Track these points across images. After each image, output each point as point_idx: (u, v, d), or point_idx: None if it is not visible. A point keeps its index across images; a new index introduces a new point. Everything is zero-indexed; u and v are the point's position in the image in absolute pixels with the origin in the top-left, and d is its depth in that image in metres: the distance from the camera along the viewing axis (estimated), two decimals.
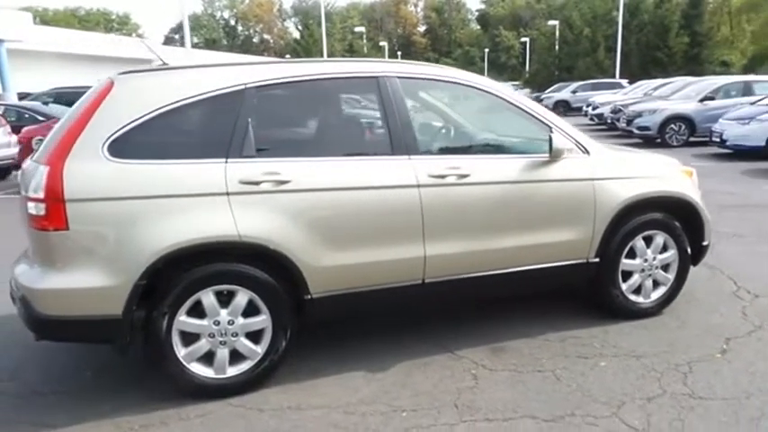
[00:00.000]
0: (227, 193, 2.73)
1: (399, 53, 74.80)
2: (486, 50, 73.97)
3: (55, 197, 2.56)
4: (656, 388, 2.86)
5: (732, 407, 2.67)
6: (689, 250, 3.70)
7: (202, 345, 2.82)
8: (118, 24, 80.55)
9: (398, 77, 3.13)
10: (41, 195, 2.57)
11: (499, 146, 3.49)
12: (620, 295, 3.60)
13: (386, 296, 3.08)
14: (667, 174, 3.68)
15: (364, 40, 58.24)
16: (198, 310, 2.79)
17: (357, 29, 52.03)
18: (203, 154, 2.77)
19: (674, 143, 13.27)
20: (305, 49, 48.02)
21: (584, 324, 3.62)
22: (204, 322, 2.80)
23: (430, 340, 3.45)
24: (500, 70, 70.56)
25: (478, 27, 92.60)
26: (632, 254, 3.58)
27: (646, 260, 3.62)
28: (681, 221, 3.64)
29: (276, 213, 2.80)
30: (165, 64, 3.19)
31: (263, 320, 2.89)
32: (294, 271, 2.86)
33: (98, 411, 2.80)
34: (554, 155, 3.19)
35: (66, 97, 15.45)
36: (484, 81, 3.37)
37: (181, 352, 2.79)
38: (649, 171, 3.61)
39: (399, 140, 3.04)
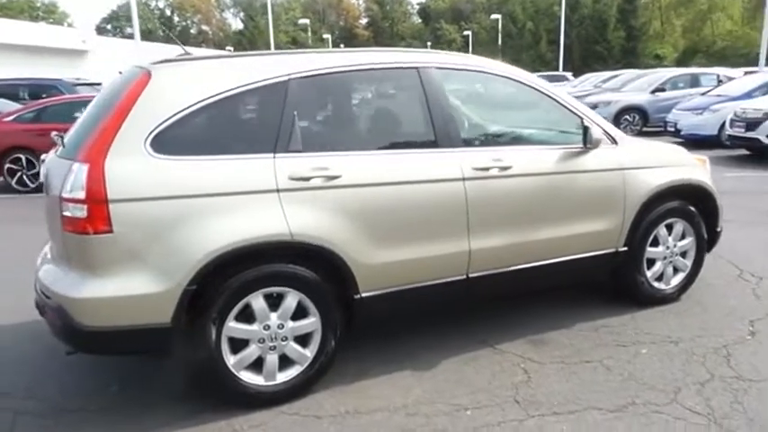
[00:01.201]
0: (278, 190, 2.58)
1: (342, 45, 74.20)
2: (429, 44, 74.48)
3: (97, 198, 2.34)
4: (704, 372, 2.93)
5: None
6: (705, 236, 3.81)
7: (252, 351, 2.66)
8: (44, 13, 75.81)
9: (436, 68, 3.05)
10: (81, 196, 2.35)
11: (536, 137, 3.46)
12: (645, 282, 3.67)
13: (431, 293, 3.01)
14: (686, 162, 3.77)
15: (309, 33, 57.43)
16: (245, 315, 2.64)
17: (301, 20, 51.27)
18: (250, 149, 2.61)
19: (629, 133, 13.72)
20: (250, 40, 46.87)
21: (610, 312, 3.67)
22: (254, 327, 2.65)
23: (468, 335, 3.40)
24: None
25: (420, 20, 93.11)
26: (655, 242, 3.66)
27: (667, 247, 3.70)
28: (697, 208, 3.74)
29: (327, 210, 2.67)
30: (187, 54, 2.99)
31: (312, 323, 2.76)
32: (344, 270, 2.74)
33: (140, 427, 2.60)
34: (593, 145, 3.20)
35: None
36: (516, 71, 3.33)
37: (230, 360, 2.63)
38: (671, 160, 3.70)
39: (443, 133, 2.97)
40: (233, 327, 2.60)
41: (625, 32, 37.54)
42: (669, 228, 3.68)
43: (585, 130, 3.22)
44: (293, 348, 2.74)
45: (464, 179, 2.95)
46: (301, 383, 2.79)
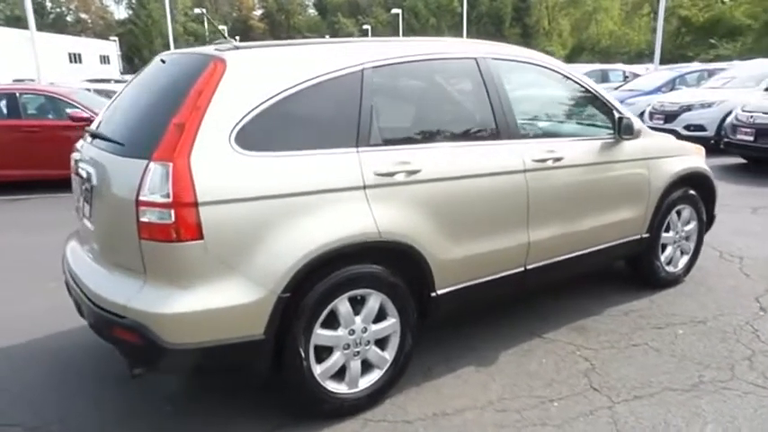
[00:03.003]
0: (364, 187, 2.43)
1: (238, 38, 71.58)
2: (327, 37, 74.00)
3: (186, 201, 2.07)
4: (744, 348, 3.14)
5: None
6: (705, 220, 4.09)
7: (338, 359, 2.50)
8: None
9: (492, 58, 3.02)
10: (166, 199, 2.07)
11: (579, 129, 3.53)
12: (660, 266, 3.88)
13: (494, 286, 2.98)
14: (691, 151, 4.01)
15: (206, 24, 54.92)
16: (328, 321, 2.47)
17: (196, 10, 48.84)
18: (334, 143, 2.43)
19: None
20: (143, 30, 43.87)
21: (629, 297, 3.84)
22: (340, 333, 2.49)
23: (512, 326, 3.42)
24: None
25: (316, 13, 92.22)
26: (667, 227, 3.87)
27: (677, 232, 3.93)
28: (699, 194, 4.00)
29: (408, 206, 2.56)
30: (226, 39, 2.75)
31: (392, 324, 2.64)
32: (424, 267, 2.65)
33: None
34: (633, 136, 3.33)
35: None
36: (559, 63, 3.39)
37: (317, 370, 2.45)
38: (679, 149, 3.92)
39: (503, 124, 2.94)
40: (320, 334, 2.43)
41: (520, 30, 39.65)
42: (678, 213, 3.91)
43: (621, 121, 3.33)
44: (375, 352, 2.61)
45: (525, 171, 2.95)
46: (381, 388, 2.66)
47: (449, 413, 2.61)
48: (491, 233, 2.88)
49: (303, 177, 2.30)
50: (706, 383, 2.80)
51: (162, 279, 2.14)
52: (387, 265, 2.56)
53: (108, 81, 23.06)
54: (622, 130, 3.33)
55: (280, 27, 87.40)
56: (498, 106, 2.94)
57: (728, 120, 8.75)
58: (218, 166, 2.15)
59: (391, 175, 2.50)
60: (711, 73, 12.57)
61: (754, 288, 3.96)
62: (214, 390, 2.79)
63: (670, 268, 3.96)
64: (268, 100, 2.30)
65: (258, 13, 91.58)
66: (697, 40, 35.90)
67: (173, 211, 2.06)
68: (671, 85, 12.29)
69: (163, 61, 2.67)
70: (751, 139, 8.09)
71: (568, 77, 3.37)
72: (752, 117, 8.18)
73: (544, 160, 3.03)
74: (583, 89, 3.41)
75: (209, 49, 2.47)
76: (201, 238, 2.10)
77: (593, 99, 3.44)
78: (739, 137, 8.29)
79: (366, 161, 2.45)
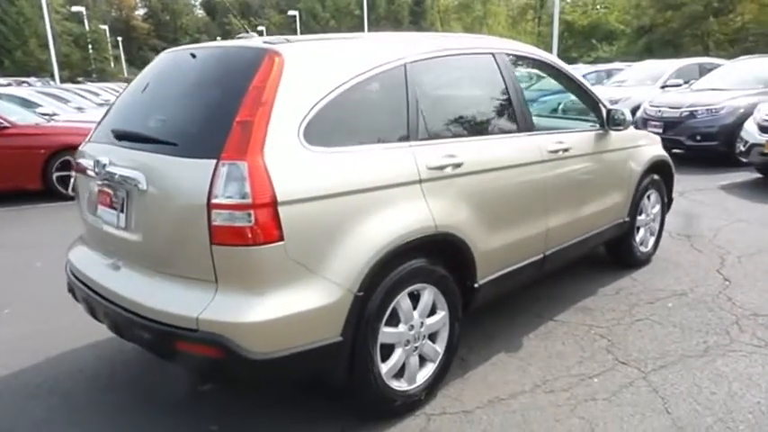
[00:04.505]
0: (420, 181, 2.44)
1: (120, 39, 67.37)
2: (219, 38, 71.65)
3: (266, 201, 1.97)
4: (728, 314, 3.47)
5: None
6: (666, 202, 4.48)
7: (400, 356, 2.48)
8: None
9: (506, 54, 3.13)
10: (245, 200, 1.95)
11: (578, 121, 3.73)
12: (637, 247, 4.20)
13: (520, 274, 3.09)
14: (654, 140, 4.37)
15: (86, 23, 51.05)
16: (389, 318, 2.44)
17: (73, 8, 45.19)
18: (389, 137, 2.42)
19: None
20: (14, 30, 39.84)
21: (612, 277, 4.12)
22: (401, 329, 2.47)
23: (523, 311, 3.56)
24: None
25: (204, 14, 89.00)
26: (640, 211, 4.20)
27: (647, 215, 4.27)
28: (661, 179, 4.38)
29: (457, 199, 2.60)
30: (248, 33, 2.65)
31: (442, 317, 2.66)
32: (469, 259, 2.69)
33: None
34: (625, 127, 3.57)
35: None
36: (558, 61, 3.57)
37: (383, 369, 2.41)
38: (647, 139, 4.25)
39: (521, 117, 3.06)
40: (385, 332, 2.40)
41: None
42: (648, 198, 4.25)
43: (609, 113, 3.58)
44: (429, 346, 2.62)
45: (543, 161, 3.09)
46: (434, 381, 2.67)
47: (503, 398, 2.67)
48: (519, 222, 2.99)
49: (370, 173, 2.27)
50: (713, 348, 3.08)
51: (238, 286, 2.02)
52: (436, 258, 2.57)
53: None
54: (616, 122, 3.58)
55: (166, 27, 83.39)
56: (516, 100, 3.05)
57: (638, 114, 9.55)
58: (292, 163, 2.06)
59: (441, 168, 2.52)
60: (609, 73, 13.64)
61: (711, 262, 4.38)
62: (256, 402, 2.66)
63: (643, 248, 4.30)
64: (328, 94, 2.23)
65: (141, 12, 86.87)
66: (579, 43, 38.83)
67: (252, 213, 1.95)
68: None
69: (193, 56, 2.50)
70: (660, 131, 8.90)
71: (564, 72, 3.56)
72: (660, 111, 9.02)
73: (556, 151, 3.18)
74: (577, 84, 3.62)
75: (256, 42, 2.36)
76: (282, 239, 2.00)
77: (586, 93, 3.65)
78: (649, 129, 9.02)
79: (419, 155, 2.46)
